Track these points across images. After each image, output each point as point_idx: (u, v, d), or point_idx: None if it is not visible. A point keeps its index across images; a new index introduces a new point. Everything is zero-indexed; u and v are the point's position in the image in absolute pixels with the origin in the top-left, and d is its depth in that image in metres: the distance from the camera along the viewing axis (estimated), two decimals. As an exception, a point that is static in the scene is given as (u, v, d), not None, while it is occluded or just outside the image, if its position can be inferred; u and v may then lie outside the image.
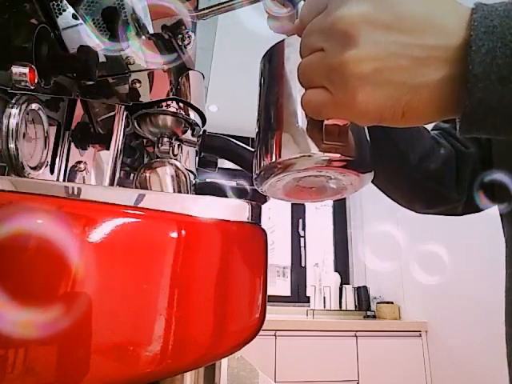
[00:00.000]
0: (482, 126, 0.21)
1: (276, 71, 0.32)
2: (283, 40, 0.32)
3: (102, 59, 0.43)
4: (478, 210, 0.50)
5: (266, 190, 0.31)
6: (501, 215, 0.44)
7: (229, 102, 2.52)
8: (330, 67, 0.23)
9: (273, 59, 0.32)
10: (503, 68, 0.20)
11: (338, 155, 0.27)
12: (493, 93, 0.20)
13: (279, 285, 2.80)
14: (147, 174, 0.42)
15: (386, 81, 0.22)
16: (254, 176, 0.31)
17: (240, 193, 0.58)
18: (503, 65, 0.20)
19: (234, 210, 0.28)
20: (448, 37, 0.21)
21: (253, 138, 0.32)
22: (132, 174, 0.60)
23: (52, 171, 0.41)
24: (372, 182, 0.38)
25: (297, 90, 0.28)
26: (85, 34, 0.40)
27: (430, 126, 0.49)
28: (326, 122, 0.26)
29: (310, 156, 0.26)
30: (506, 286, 0.41)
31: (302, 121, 0.28)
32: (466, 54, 0.20)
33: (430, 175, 0.45)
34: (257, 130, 0.32)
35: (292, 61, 0.30)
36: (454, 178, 0.46)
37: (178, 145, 0.48)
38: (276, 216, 3.00)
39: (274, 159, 0.28)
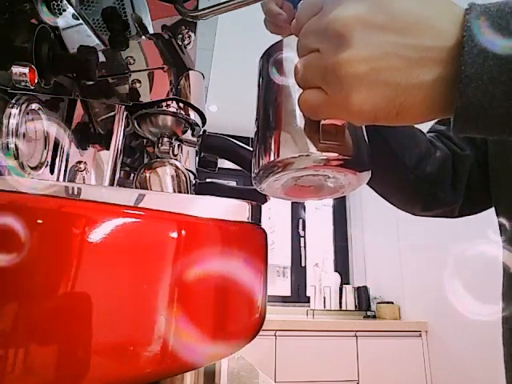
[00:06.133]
0: (474, 126, 0.22)
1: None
2: (281, 40, 0.32)
3: (101, 59, 0.43)
4: (474, 211, 0.50)
5: (264, 189, 0.31)
6: (497, 217, 0.44)
7: (229, 102, 2.52)
8: (326, 68, 0.23)
9: (271, 59, 0.32)
10: (495, 69, 0.20)
11: (336, 154, 0.27)
12: (484, 93, 0.20)
13: (279, 285, 2.80)
14: (147, 174, 0.42)
15: (380, 81, 0.22)
16: (253, 175, 0.31)
17: (240, 193, 0.58)
18: (494, 66, 0.20)
19: (234, 209, 0.28)
20: (442, 37, 0.21)
21: (253, 138, 0.32)
22: (132, 174, 0.60)
23: (52, 171, 0.41)
24: (369, 184, 0.38)
25: (295, 90, 0.29)
26: (85, 34, 0.40)
27: (425, 129, 0.49)
28: (323, 122, 0.26)
29: (308, 155, 0.27)
30: (503, 289, 0.41)
31: (300, 120, 0.28)
32: (459, 55, 0.20)
33: (426, 178, 0.45)
34: (255, 129, 0.32)
35: (290, 61, 0.30)
36: (450, 180, 0.46)
37: (178, 145, 0.48)
38: (276, 216, 3.00)
39: (272, 159, 0.28)
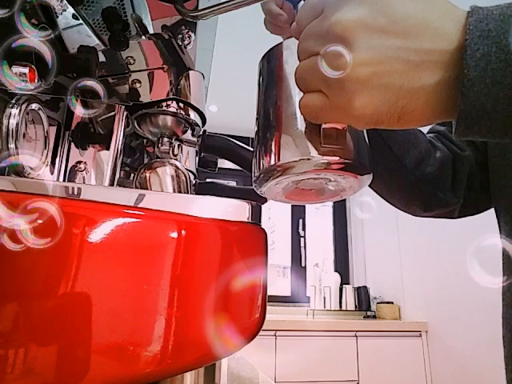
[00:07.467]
0: (477, 130, 0.22)
1: (274, 74, 0.32)
2: (281, 42, 0.32)
3: (101, 59, 0.43)
4: (474, 212, 0.50)
5: (265, 192, 0.31)
6: (497, 217, 0.44)
7: (229, 102, 2.52)
8: None
9: (271, 62, 0.32)
10: (498, 72, 0.20)
11: (337, 158, 0.27)
12: (487, 97, 0.20)
13: (279, 285, 2.80)
14: (147, 174, 0.42)
15: (382, 85, 0.22)
16: (254, 178, 0.31)
17: (240, 193, 0.58)
18: (498, 69, 0.20)
19: (234, 209, 0.28)
20: (444, 40, 0.21)
21: (253, 138, 0.32)
22: (132, 174, 0.60)
23: (52, 171, 0.41)
24: (369, 185, 0.38)
25: (295, 93, 0.28)
26: (85, 34, 0.40)
27: (425, 129, 0.49)
28: (324, 126, 0.26)
29: (308, 159, 0.27)
30: (503, 289, 0.41)
31: (300, 124, 0.28)
32: (462, 58, 0.20)
33: (427, 178, 0.45)
34: (256, 132, 0.32)
35: (290, 63, 0.30)
36: (450, 180, 0.46)
37: (178, 145, 0.48)
38: (276, 216, 3.00)
39: (273, 162, 0.28)
